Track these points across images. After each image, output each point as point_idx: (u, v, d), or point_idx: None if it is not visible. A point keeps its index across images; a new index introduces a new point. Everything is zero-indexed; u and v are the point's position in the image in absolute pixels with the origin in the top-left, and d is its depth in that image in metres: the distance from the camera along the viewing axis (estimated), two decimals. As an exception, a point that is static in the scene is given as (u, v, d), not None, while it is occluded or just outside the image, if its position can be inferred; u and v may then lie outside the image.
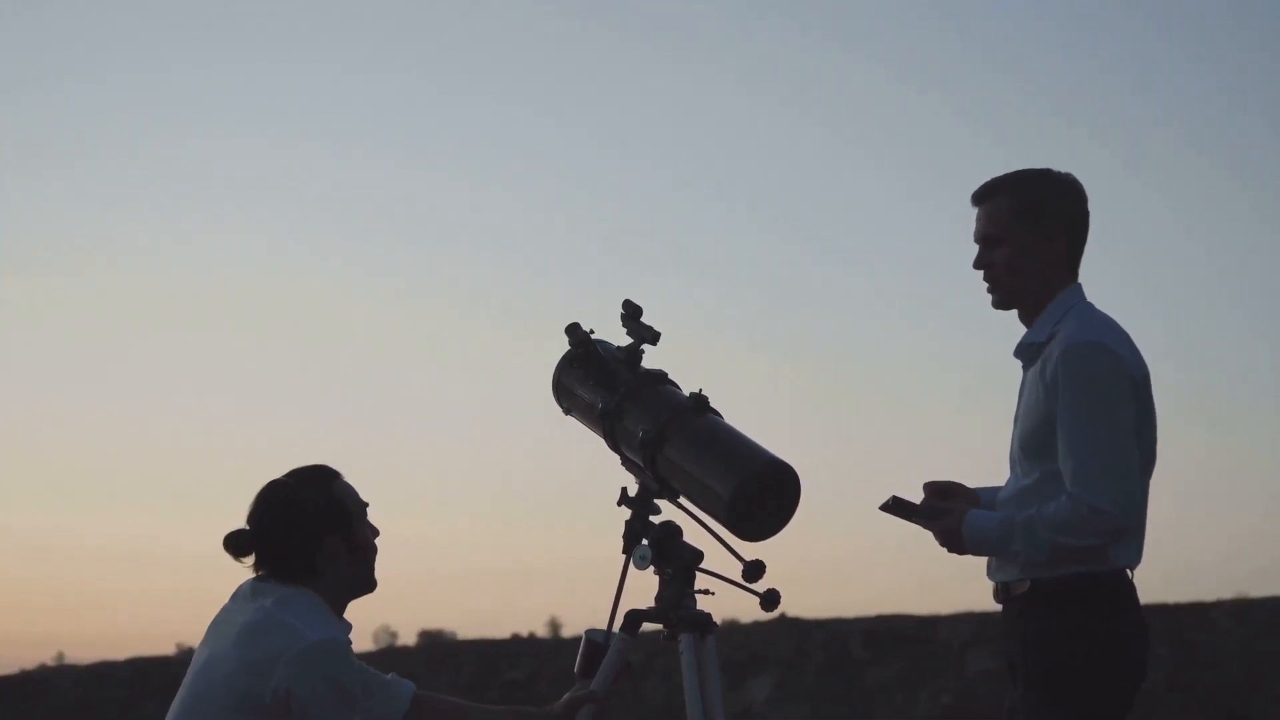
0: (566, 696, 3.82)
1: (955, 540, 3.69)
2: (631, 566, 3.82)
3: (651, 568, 3.81)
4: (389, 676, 3.84)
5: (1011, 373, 3.84)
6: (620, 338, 3.97)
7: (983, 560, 3.77)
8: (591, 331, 3.95)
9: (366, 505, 3.73)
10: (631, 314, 3.92)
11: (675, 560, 3.81)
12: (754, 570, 3.73)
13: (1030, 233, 3.74)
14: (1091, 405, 3.56)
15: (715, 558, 3.81)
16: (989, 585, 3.76)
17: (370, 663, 3.80)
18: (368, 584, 3.71)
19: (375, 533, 3.73)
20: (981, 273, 3.82)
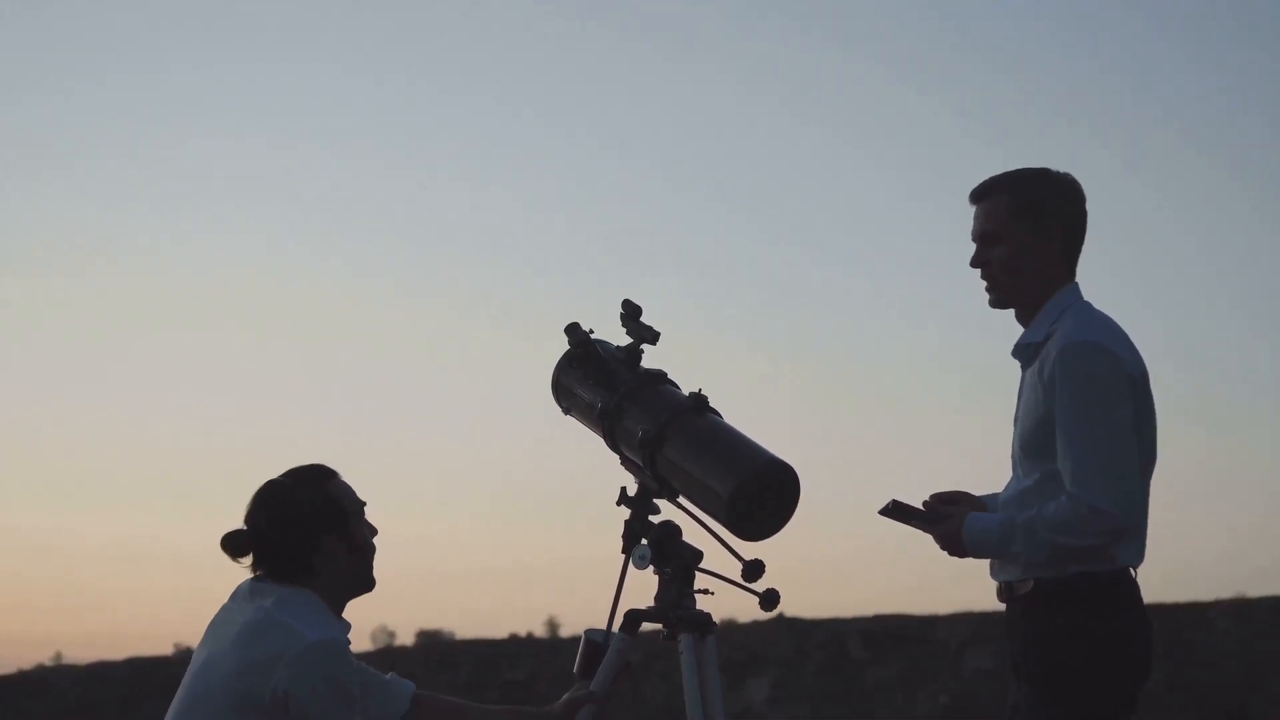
0: (566, 696, 3.82)
1: (956, 544, 3.69)
2: (631, 566, 3.81)
3: (651, 567, 3.80)
4: (388, 676, 3.83)
5: (1011, 373, 3.84)
6: (620, 337, 3.97)
7: (981, 560, 3.77)
8: (591, 331, 3.95)
9: (364, 504, 3.73)
10: (631, 314, 3.92)
11: (675, 560, 3.81)
12: (753, 570, 3.73)
13: (1028, 231, 3.74)
14: (1089, 405, 3.56)
15: (715, 557, 3.81)
16: (987, 585, 3.76)
17: (368, 662, 3.80)
18: (366, 583, 3.71)
19: (373, 532, 3.73)
20: (979, 271, 3.82)
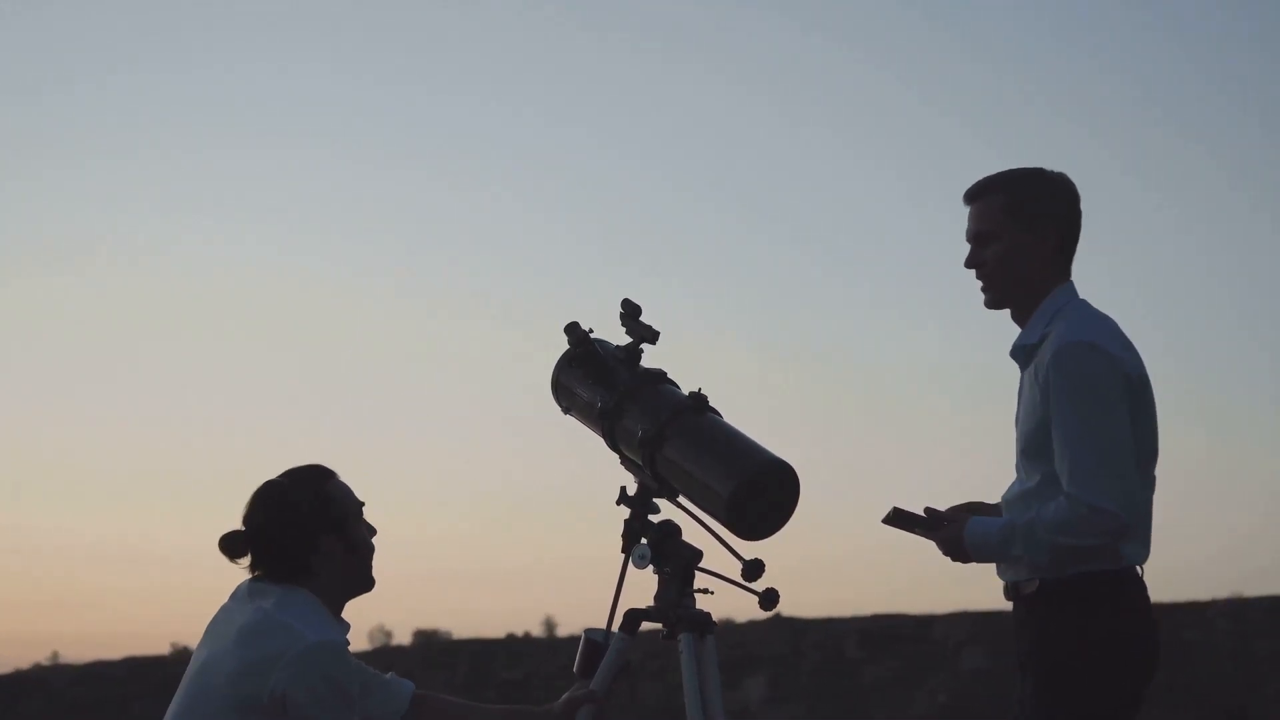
0: (565, 696, 3.81)
1: (958, 549, 3.69)
2: (631, 566, 3.81)
3: (651, 567, 3.79)
4: (388, 676, 3.83)
5: (1010, 373, 3.84)
6: (619, 337, 3.96)
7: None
8: (591, 330, 3.94)
9: (363, 504, 3.72)
10: (631, 313, 3.91)
11: (674, 559, 3.80)
12: (753, 569, 3.72)
13: (1023, 231, 3.74)
14: (1085, 405, 3.55)
15: (714, 557, 3.81)
16: (984, 585, 3.76)
17: (366, 662, 3.79)
18: (365, 583, 3.70)
19: (372, 531, 3.72)
20: (974, 272, 3.82)
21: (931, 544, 3.77)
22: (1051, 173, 3.82)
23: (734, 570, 3.76)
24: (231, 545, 3.63)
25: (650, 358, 3.95)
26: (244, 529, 3.64)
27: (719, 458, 3.72)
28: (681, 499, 3.82)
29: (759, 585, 3.74)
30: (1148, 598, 3.66)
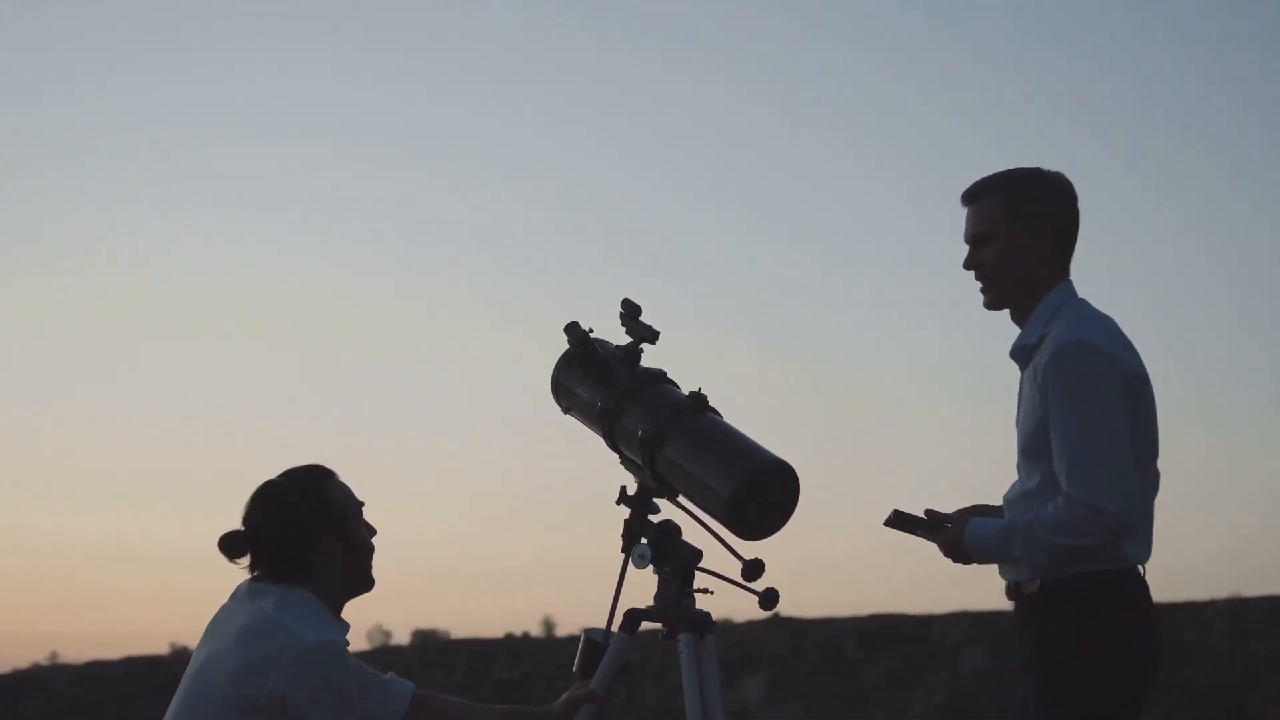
0: (565, 696, 3.80)
1: (959, 550, 3.69)
2: (630, 565, 3.80)
3: (650, 567, 3.79)
4: (388, 676, 3.82)
5: (1010, 373, 3.84)
6: (619, 337, 3.96)
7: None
8: (590, 330, 3.94)
9: (362, 504, 3.72)
10: (630, 313, 3.91)
11: (674, 559, 3.80)
12: (753, 569, 3.72)
13: (1020, 231, 3.74)
14: (1083, 406, 3.55)
15: (714, 557, 3.81)
16: (983, 585, 3.78)
17: (364, 662, 3.79)
18: (365, 583, 3.70)
19: (372, 531, 3.72)
20: (973, 273, 3.82)
21: (931, 545, 3.78)
22: (1049, 172, 3.82)
23: (734, 570, 3.75)
24: (231, 545, 3.63)
25: (650, 358, 3.95)
26: (243, 529, 3.64)
27: (719, 458, 3.71)
28: (681, 499, 3.82)
29: (759, 585, 3.74)
30: (1149, 597, 3.66)
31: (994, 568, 3.76)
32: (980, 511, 3.81)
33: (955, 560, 3.72)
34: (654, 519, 3.85)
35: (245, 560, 3.64)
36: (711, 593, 3.82)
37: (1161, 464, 3.72)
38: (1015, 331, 3.80)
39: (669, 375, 3.94)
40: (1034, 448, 3.64)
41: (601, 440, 3.96)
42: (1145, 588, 3.66)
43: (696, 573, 3.81)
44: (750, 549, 3.76)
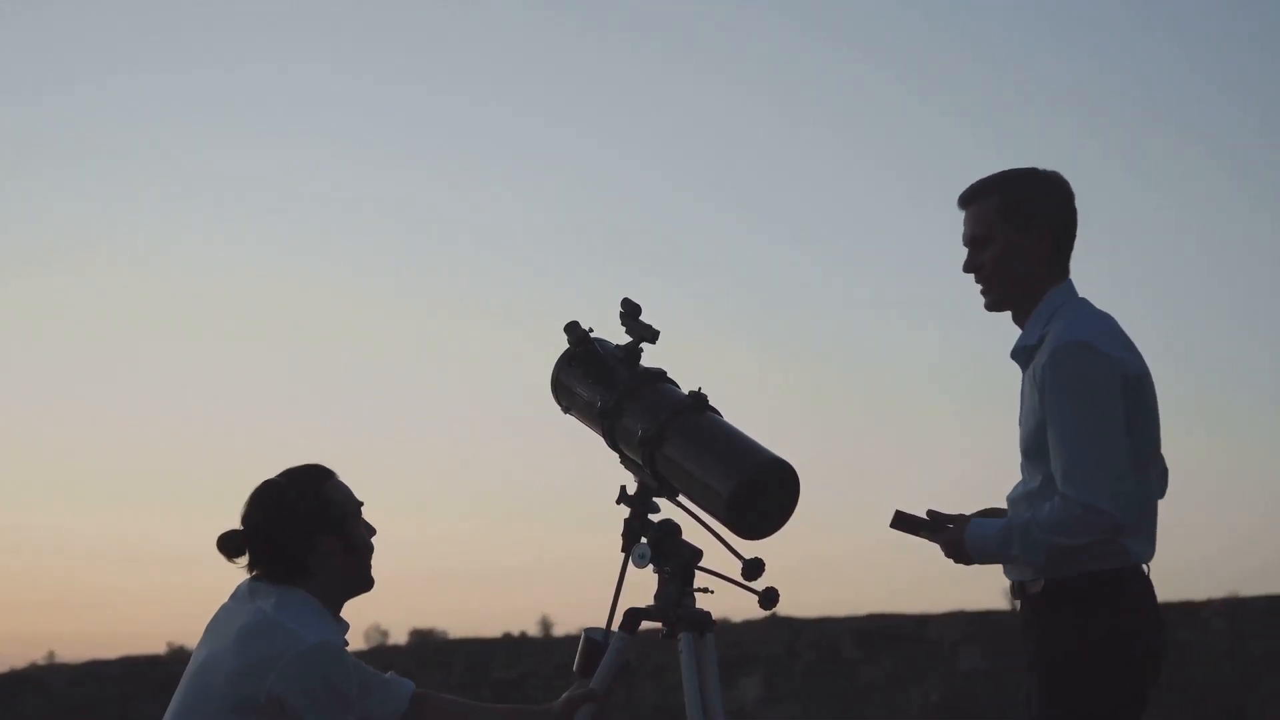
0: (565, 695, 3.80)
1: (960, 551, 3.70)
2: (630, 565, 3.80)
3: (650, 566, 3.79)
4: (388, 675, 3.82)
5: (1010, 373, 3.84)
6: (619, 336, 3.96)
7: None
8: (590, 330, 3.94)
9: (361, 504, 3.72)
10: (630, 312, 3.91)
11: (674, 558, 3.79)
12: (753, 569, 3.72)
13: (1018, 231, 3.75)
14: (1081, 406, 3.56)
15: (714, 556, 3.81)
16: (981, 585, 3.78)
17: (362, 661, 3.78)
18: (364, 583, 3.70)
19: (371, 531, 3.71)
20: (973, 276, 3.82)
21: (930, 545, 3.78)
22: (1045, 172, 3.82)
23: (734, 569, 3.75)
24: (229, 545, 3.63)
25: (650, 357, 3.95)
26: (242, 528, 3.63)
27: (719, 457, 3.71)
28: (681, 498, 3.82)
29: (759, 584, 3.74)
30: (1153, 596, 3.66)
31: (993, 568, 3.76)
32: (989, 514, 3.81)
33: (956, 560, 3.72)
34: (654, 518, 3.85)
35: (244, 560, 3.64)
36: (711, 592, 3.82)
37: (1161, 463, 3.73)
38: (1015, 331, 3.80)
39: (669, 375, 3.94)
40: (1035, 448, 3.65)
41: (601, 440, 3.96)
42: (1148, 587, 3.65)
43: (696, 572, 3.81)
44: (750, 548, 3.76)
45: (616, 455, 3.93)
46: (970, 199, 3.82)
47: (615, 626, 3.81)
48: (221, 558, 3.65)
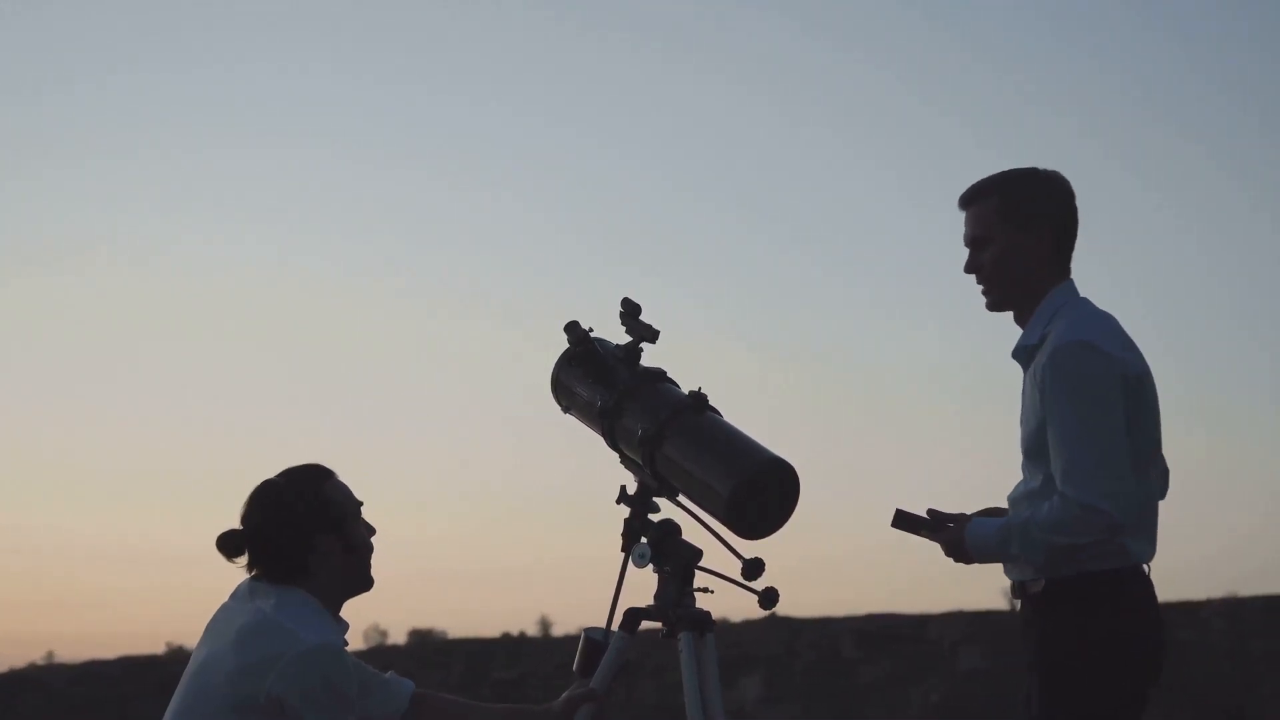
0: (565, 695, 3.80)
1: (960, 550, 3.70)
2: (630, 564, 3.80)
3: (650, 566, 3.79)
4: (388, 675, 3.82)
5: (1010, 373, 3.84)
6: (619, 336, 3.96)
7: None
8: (590, 329, 3.94)
9: (361, 504, 3.72)
10: (630, 312, 3.91)
11: (674, 558, 3.79)
12: (753, 568, 3.72)
13: (1018, 232, 3.75)
14: (1080, 405, 3.56)
15: (714, 556, 3.81)
16: (981, 585, 3.78)
17: (361, 661, 3.78)
18: (364, 583, 3.69)
19: (371, 531, 3.71)
20: (974, 277, 3.83)
21: (929, 544, 3.78)
22: (1045, 172, 3.82)
23: (734, 569, 3.75)
24: (229, 544, 3.63)
25: (650, 357, 3.95)
26: (241, 528, 3.63)
27: (719, 456, 3.71)
28: (681, 498, 3.82)
29: (759, 584, 3.74)
30: (1153, 596, 3.66)
31: (993, 567, 3.76)
32: (990, 514, 3.81)
33: (956, 559, 3.73)
34: (654, 518, 3.85)
35: (243, 560, 3.64)
36: (711, 592, 3.82)
37: (1161, 463, 3.73)
38: (1016, 331, 3.80)
39: (669, 375, 3.94)
40: (1036, 448, 3.65)
41: (601, 439, 3.96)
42: (1148, 586, 3.65)
43: (696, 572, 3.81)
44: (750, 548, 3.76)
45: (616, 455, 3.93)
46: (970, 200, 3.82)
47: (615, 626, 3.81)
48: (221, 558, 3.65)
